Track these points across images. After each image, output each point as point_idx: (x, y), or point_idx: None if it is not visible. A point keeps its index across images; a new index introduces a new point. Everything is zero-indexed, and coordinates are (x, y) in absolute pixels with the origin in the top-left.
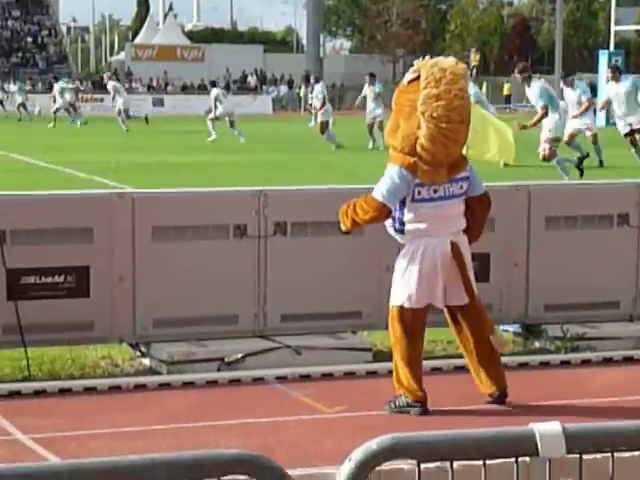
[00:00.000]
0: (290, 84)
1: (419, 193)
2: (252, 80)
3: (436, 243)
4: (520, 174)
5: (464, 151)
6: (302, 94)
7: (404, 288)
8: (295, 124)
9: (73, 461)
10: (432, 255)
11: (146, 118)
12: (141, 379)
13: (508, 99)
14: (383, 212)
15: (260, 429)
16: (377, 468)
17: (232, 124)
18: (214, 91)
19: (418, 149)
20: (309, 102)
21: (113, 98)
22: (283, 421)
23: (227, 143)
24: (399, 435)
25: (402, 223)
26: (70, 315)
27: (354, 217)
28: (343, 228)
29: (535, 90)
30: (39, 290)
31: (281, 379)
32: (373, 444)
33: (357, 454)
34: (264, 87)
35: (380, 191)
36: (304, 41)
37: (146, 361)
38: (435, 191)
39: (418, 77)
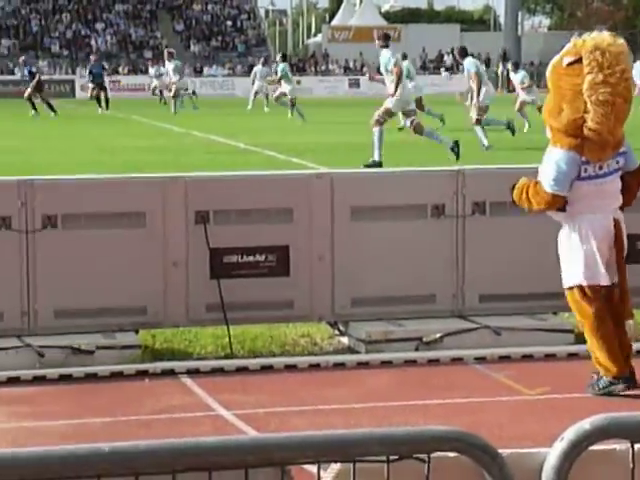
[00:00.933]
0: (487, 63)
1: (585, 171)
2: (448, 59)
3: (598, 219)
4: None
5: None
6: (499, 73)
7: (577, 267)
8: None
9: (280, 434)
10: (597, 232)
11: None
12: (340, 357)
13: None
14: (556, 202)
15: (460, 410)
16: (590, 448)
17: (293, 103)
18: (282, 66)
19: (585, 131)
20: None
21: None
22: (483, 402)
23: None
24: (613, 415)
25: (565, 202)
26: (270, 294)
27: (529, 206)
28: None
29: None
30: (241, 269)
31: (480, 360)
32: (586, 423)
33: (570, 433)
34: (460, 67)
35: (548, 181)
36: (502, 19)
37: (344, 340)
38: (600, 167)
39: (578, 59)
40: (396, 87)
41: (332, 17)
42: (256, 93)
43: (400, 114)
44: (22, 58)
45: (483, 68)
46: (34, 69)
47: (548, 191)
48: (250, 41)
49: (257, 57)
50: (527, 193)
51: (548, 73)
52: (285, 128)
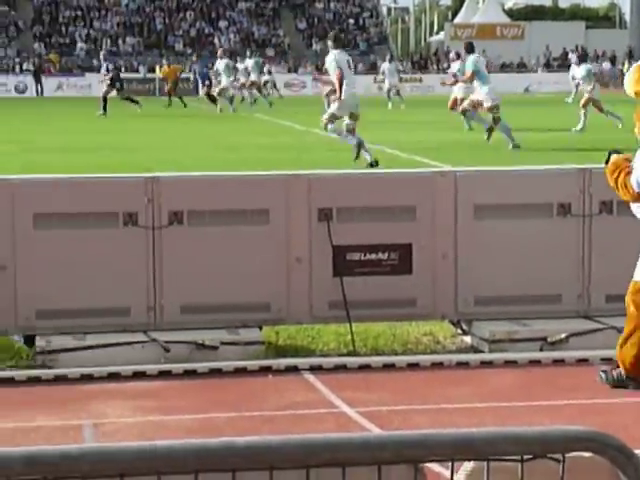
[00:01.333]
0: (612, 60)
1: None
2: (572, 57)
3: None
4: None
5: None
6: (625, 70)
7: None
8: (620, 102)
9: (413, 432)
10: None
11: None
12: (463, 356)
13: None
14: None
15: (585, 410)
16: None
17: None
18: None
19: None
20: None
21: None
22: (609, 403)
23: (544, 121)
24: None
25: None
26: (393, 292)
27: (615, 189)
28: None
29: None
30: (364, 267)
31: (606, 361)
32: None
33: None
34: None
35: (637, 179)
36: (627, 17)
37: (467, 339)
38: None
39: None
40: (339, 91)
41: (455, 14)
42: (389, 90)
43: (346, 117)
44: (103, 53)
45: (484, 65)
46: (110, 66)
47: (635, 189)
48: (372, 39)
49: (379, 55)
50: (616, 180)
51: (636, 75)
52: (407, 126)
